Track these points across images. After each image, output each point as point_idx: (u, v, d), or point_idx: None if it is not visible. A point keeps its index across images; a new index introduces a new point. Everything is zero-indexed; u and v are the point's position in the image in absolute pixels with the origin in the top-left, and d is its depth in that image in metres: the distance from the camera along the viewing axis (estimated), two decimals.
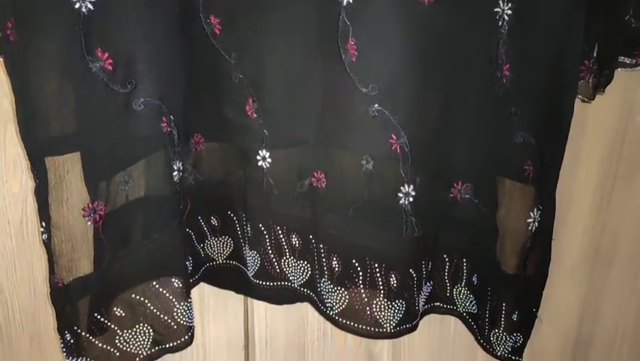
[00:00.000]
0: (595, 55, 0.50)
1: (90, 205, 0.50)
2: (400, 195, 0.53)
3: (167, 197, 0.54)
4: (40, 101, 0.47)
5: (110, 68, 0.47)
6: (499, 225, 0.55)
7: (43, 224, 0.50)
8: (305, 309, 0.70)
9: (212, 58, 0.53)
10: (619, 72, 0.56)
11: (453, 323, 0.71)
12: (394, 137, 0.51)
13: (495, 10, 0.48)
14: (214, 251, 0.64)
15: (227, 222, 0.61)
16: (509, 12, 0.48)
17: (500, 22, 0.48)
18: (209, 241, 0.63)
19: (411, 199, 0.53)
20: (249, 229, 0.60)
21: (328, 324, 0.68)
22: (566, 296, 0.72)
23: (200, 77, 0.55)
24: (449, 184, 0.55)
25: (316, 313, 0.62)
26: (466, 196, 0.55)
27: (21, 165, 0.62)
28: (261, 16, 0.51)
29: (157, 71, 0.50)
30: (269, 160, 0.56)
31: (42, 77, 0.47)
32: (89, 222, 0.50)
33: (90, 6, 0.45)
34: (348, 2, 0.47)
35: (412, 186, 0.52)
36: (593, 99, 0.53)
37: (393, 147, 0.51)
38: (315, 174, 0.55)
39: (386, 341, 0.74)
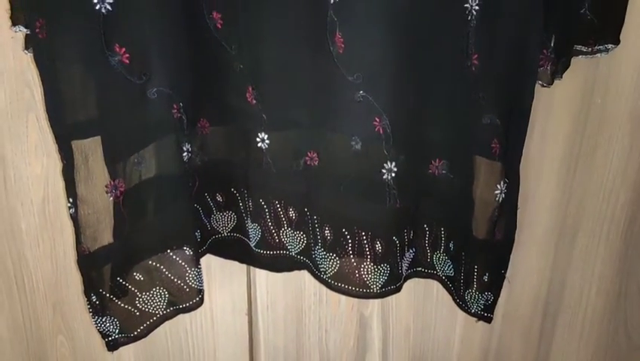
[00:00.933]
0: (552, 44, 0.55)
1: (112, 183, 0.55)
2: (384, 171, 0.58)
3: (178, 175, 0.59)
4: (66, 91, 0.52)
5: (127, 61, 0.52)
6: (472, 197, 0.61)
7: (70, 200, 0.55)
8: (302, 277, 0.75)
9: (216, 50, 0.58)
10: (580, 59, 0.62)
11: (436, 287, 0.75)
12: (378, 119, 0.56)
13: (465, 5, 0.53)
14: (219, 225, 0.69)
15: (230, 198, 0.66)
16: (477, 7, 0.52)
17: (469, 17, 0.53)
18: (214, 215, 0.68)
19: (393, 175, 0.58)
20: (250, 204, 0.65)
21: (324, 290, 0.74)
22: (536, 263, 0.76)
23: (205, 67, 0.59)
24: (427, 161, 0.60)
25: (313, 280, 0.67)
26: (443, 172, 0.61)
27: (42, 149, 0.67)
28: (258, 12, 0.55)
29: (168, 64, 0.55)
30: (267, 142, 0.61)
31: (68, 69, 0.52)
32: (111, 198, 0.56)
33: (109, 7, 0.50)
34: (335, 0, 0.52)
35: (393, 163, 0.58)
36: (552, 84, 0.58)
37: (376, 129, 0.56)
38: (309, 153, 0.60)
39: (376, 304, 0.79)
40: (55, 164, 0.68)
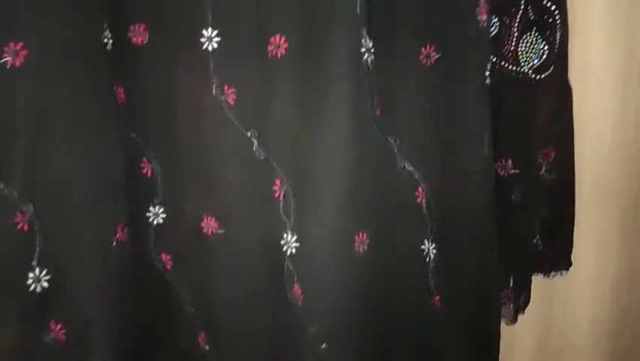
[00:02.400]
0: (511, 284, 0.56)
1: None
2: None
3: None
4: None
5: (63, 338, 0.48)
6: None
7: None
8: None
9: (164, 292, 0.55)
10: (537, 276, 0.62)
11: None
12: None
13: (421, 247, 0.53)
14: None
15: None
16: (434, 251, 0.53)
17: (427, 259, 0.53)
18: None
19: None
20: None
21: None
22: None
23: (154, 312, 0.56)
24: None
25: None
26: None
27: None
28: (210, 252, 0.53)
29: (111, 329, 0.51)
30: None
31: None
32: None
33: (45, 284, 0.47)
34: (291, 252, 0.52)
35: None
36: (516, 321, 0.58)
37: None
38: None
39: None
40: None
